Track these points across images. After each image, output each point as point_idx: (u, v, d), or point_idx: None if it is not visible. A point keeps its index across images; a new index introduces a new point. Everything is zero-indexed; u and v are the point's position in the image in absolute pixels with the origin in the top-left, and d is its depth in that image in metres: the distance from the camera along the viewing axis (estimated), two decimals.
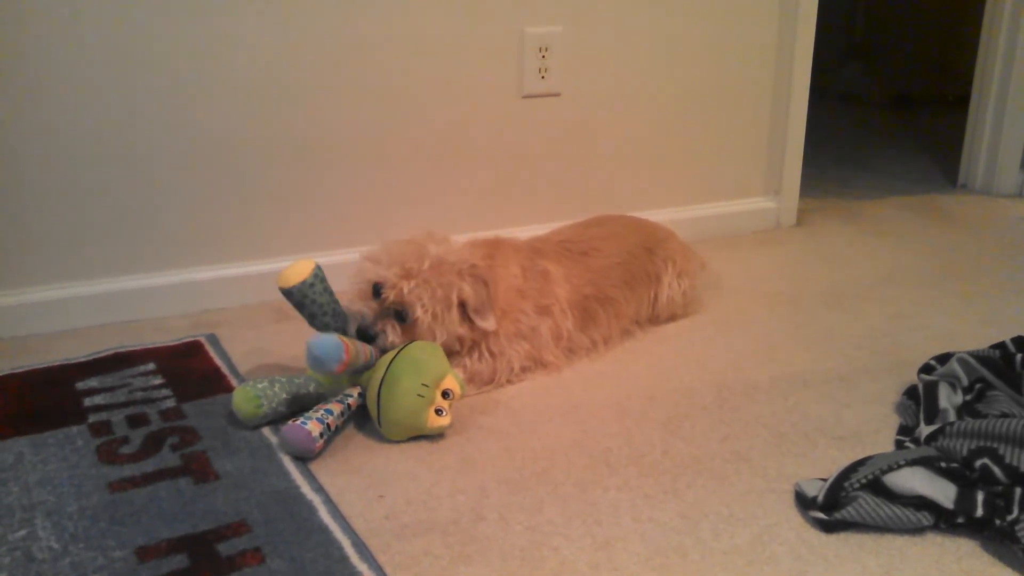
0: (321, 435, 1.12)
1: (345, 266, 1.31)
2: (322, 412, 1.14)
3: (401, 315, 1.25)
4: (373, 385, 1.16)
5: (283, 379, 1.21)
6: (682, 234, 1.69)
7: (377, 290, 1.26)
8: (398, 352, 1.18)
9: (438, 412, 1.16)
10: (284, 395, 1.20)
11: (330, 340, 1.14)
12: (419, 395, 1.14)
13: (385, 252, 1.28)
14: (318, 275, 1.25)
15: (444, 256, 1.27)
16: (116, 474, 1.08)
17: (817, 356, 1.43)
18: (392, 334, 1.25)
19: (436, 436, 1.18)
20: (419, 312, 1.23)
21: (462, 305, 1.27)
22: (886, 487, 0.97)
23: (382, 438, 1.18)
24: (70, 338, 1.52)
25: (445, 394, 1.17)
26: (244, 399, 1.18)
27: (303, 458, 1.12)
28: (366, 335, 1.25)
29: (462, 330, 1.28)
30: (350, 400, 1.19)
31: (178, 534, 0.96)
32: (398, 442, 1.17)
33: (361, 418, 1.23)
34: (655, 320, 1.56)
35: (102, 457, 1.12)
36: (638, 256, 1.53)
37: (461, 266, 1.27)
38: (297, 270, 1.24)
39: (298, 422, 1.11)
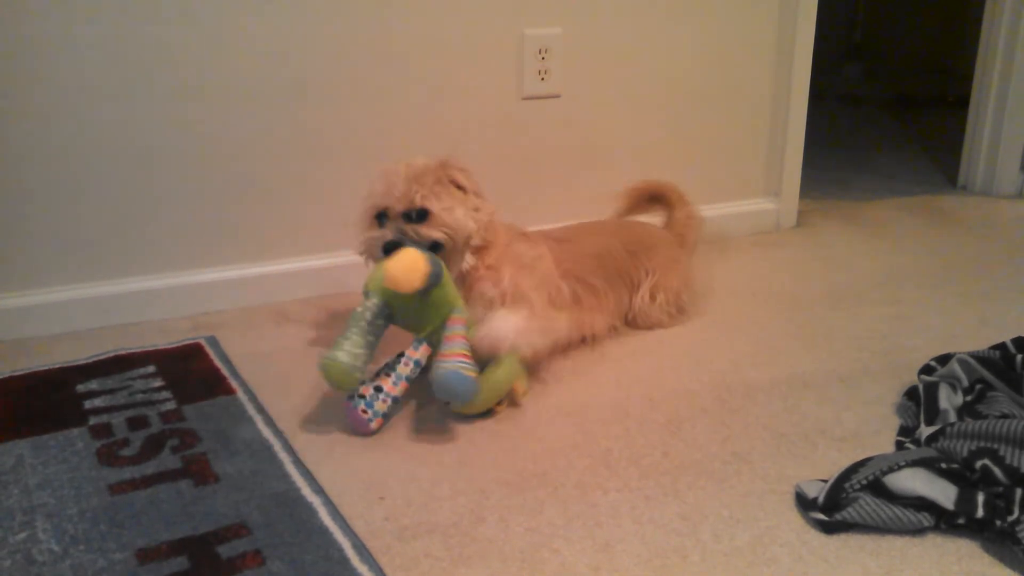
0: (380, 414, 1.19)
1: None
2: (382, 394, 1.20)
3: (420, 215, 1.30)
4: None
5: (352, 331, 1.20)
6: None
7: (382, 217, 1.31)
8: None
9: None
10: (364, 349, 1.19)
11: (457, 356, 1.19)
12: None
13: (378, 182, 1.32)
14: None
15: (416, 164, 1.33)
16: (116, 476, 1.08)
17: (817, 357, 1.43)
18: (413, 231, 1.29)
19: (437, 437, 1.18)
20: (434, 206, 1.29)
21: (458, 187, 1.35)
22: (887, 488, 0.97)
23: (383, 439, 1.18)
24: (70, 340, 1.52)
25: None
26: (340, 374, 1.17)
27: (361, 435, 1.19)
28: (397, 245, 1.26)
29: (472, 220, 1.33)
30: (407, 370, 1.23)
31: (178, 536, 0.96)
32: (398, 444, 1.17)
33: None
34: (632, 325, 1.56)
35: (102, 459, 1.12)
36: (615, 255, 1.53)
37: (432, 163, 1.34)
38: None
39: (359, 408, 1.18)
